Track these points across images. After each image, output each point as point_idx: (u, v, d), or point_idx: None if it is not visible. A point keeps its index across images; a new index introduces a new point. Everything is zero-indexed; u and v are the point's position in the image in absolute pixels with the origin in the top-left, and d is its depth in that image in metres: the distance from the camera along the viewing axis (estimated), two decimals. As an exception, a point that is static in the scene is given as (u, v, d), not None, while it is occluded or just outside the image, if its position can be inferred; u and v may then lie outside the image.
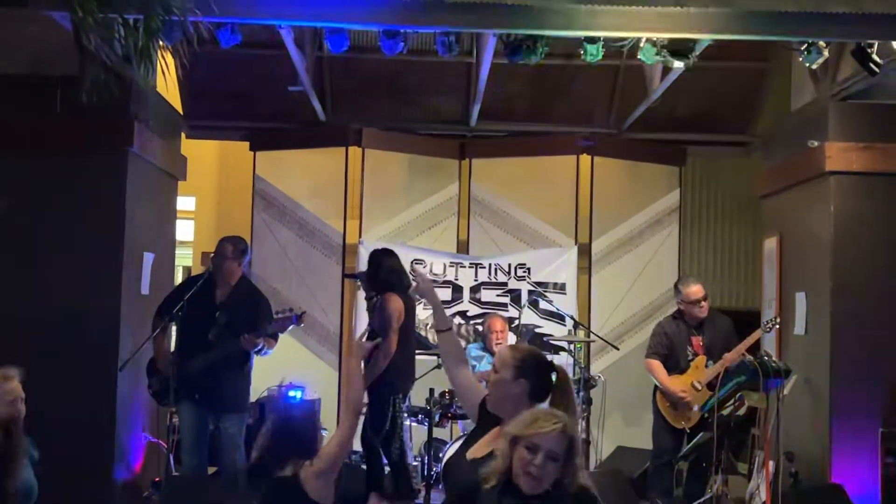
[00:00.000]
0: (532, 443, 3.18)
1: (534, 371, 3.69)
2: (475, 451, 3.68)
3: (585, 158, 9.45)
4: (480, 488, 3.25)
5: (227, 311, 6.60)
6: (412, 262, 9.08)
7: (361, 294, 8.99)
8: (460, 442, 4.03)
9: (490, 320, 8.27)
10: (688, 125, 9.49)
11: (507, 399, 3.67)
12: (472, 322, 9.09)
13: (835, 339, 7.15)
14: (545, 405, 3.65)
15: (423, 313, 9.05)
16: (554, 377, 3.71)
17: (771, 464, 6.46)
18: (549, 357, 8.23)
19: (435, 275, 9.08)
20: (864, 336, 7.12)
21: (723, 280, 9.38)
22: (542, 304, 8.97)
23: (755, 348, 7.06)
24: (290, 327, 6.63)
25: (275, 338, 6.65)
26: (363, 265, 8.94)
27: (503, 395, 3.70)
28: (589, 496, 3.29)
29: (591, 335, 8.62)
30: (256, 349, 6.56)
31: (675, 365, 7.27)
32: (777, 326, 7.60)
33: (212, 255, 6.96)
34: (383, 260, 6.99)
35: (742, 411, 6.72)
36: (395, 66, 8.47)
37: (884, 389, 7.04)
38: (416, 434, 7.98)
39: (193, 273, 9.90)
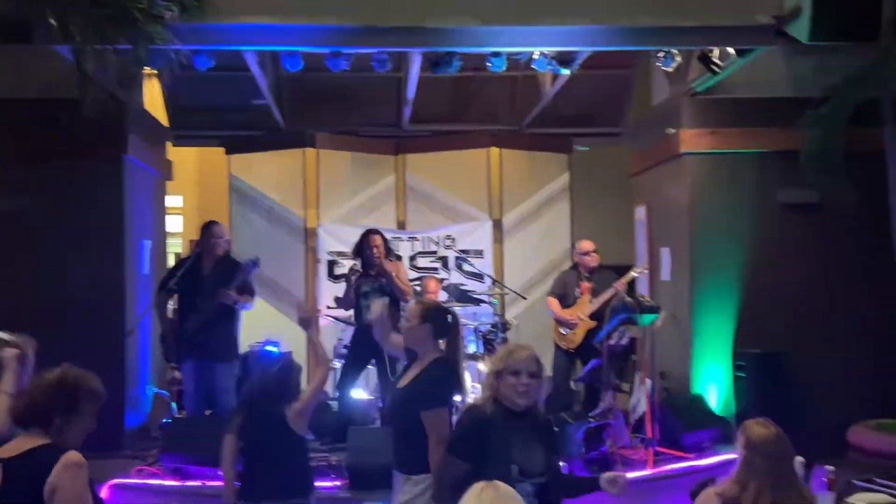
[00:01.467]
0: (515, 369, 3.27)
1: (434, 317, 3.92)
2: (403, 381, 3.93)
3: (495, 150, 9.51)
4: (481, 413, 3.33)
5: (213, 280, 6.52)
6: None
7: (322, 268, 9.01)
8: None
9: (426, 281, 8.28)
10: (573, 120, 9.60)
11: (418, 340, 3.93)
12: (412, 283, 9.11)
13: (693, 283, 7.34)
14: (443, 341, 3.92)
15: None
16: (450, 318, 3.93)
17: (648, 381, 6.60)
18: (472, 308, 8.39)
19: (388, 249, 9.04)
20: (715, 280, 7.31)
21: (604, 242, 9.45)
22: (466, 267, 9.05)
23: (632, 292, 7.21)
24: (254, 272, 6.50)
25: (251, 293, 6.55)
26: (323, 245, 8.97)
27: (415, 337, 3.95)
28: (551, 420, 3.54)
29: (505, 289, 8.73)
30: (234, 302, 6.49)
31: (565, 302, 7.40)
32: (646, 272, 7.74)
33: (199, 238, 6.81)
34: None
35: (625, 341, 6.84)
36: (340, 80, 8.40)
37: (732, 320, 7.25)
38: (371, 376, 7.99)
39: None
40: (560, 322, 7.36)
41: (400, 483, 3.80)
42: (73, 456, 2.84)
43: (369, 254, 6.75)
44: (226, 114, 9.12)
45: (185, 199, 11.03)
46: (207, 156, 10.45)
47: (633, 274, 7.16)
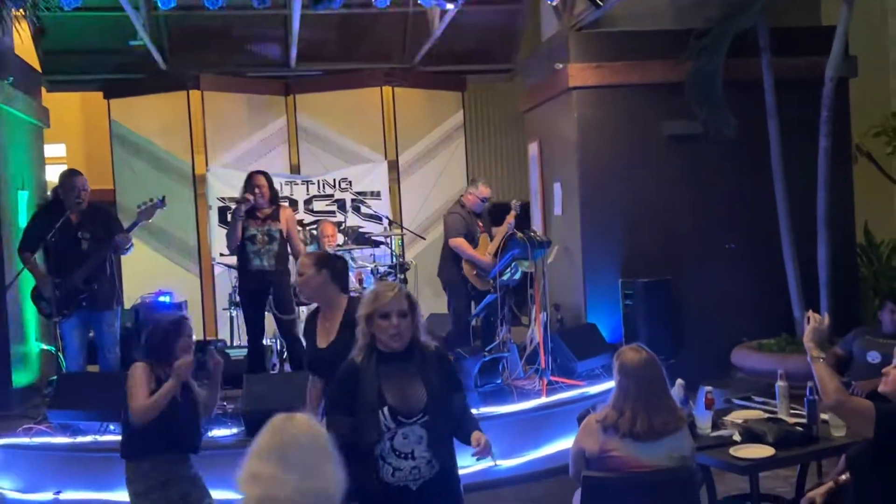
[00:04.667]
0: (384, 311, 3.13)
1: (327, 262, 3.92)
2: (321, 341, 3.85)
3: (388, 89, 9.36)
4: (352, 364, 3.18)
5: (88, 228, 6.23)
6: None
7: (213, 214, 8.76)
8: None
9: (322, 225, 8.15)
10: (465, 58, 9.50)
11: (317, 288, 3.89)
12: (308, 228, 8.98)
13: (583, 216, 7.47)
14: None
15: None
16: (340, 263, 3.93)
17: (542, 314, 6.70)
18: (370, 250, 8.33)
19: (273, 191, 8.86)
20: (604, 212, 7.46)
21: (500, 178, 9.56)
22: (363, 209, 8.96)
23: (524, 227, 7.24)
24: (158, 210, 6.17)
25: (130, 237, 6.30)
26: (213, 191, 8.71)
27: (313, 287, 3.90)
28: (445, 354, 3.31)
29: (403, 230, 8.69)
30: (128, 245, 6.25)
31: (472, 243, 7.26)
32: (520, 204, 7.35)
33: (60, 188, 6.41)
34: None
35: (518, 276, 6.87)
36: (221, 19, 8.10)
37: (620, 250, 7.43)
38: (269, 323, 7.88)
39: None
40: (476, 264, 7.18)
41: None
42: None
43: (256, 194, 6.33)
44: (103, 56, 8.68)
45: (69, 147, 10.54)
46: (90, 102, 9.95)
47: (513, 213, 7.03)
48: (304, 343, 4.31)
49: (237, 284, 6.92)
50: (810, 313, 3.64)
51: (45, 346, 7.39)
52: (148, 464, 3.85)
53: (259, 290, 6.40)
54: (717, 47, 6.88)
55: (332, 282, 3.87)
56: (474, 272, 7.26)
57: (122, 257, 6.76)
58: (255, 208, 6.40)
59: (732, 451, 3.83)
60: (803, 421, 4.09)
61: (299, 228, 8.79)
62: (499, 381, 6.31)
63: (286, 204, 7.07)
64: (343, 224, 8.79)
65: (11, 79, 7.01)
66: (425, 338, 3.23)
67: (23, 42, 7.84)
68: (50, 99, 8.62)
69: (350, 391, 3.12)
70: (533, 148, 8.54)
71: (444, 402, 3.15)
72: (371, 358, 3.15)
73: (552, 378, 6.37)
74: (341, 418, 3.09)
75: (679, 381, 4.33)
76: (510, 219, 6.95)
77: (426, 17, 8.64)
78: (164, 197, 6.23)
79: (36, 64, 8.35)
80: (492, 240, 7.20)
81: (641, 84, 7.39)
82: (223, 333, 8.37)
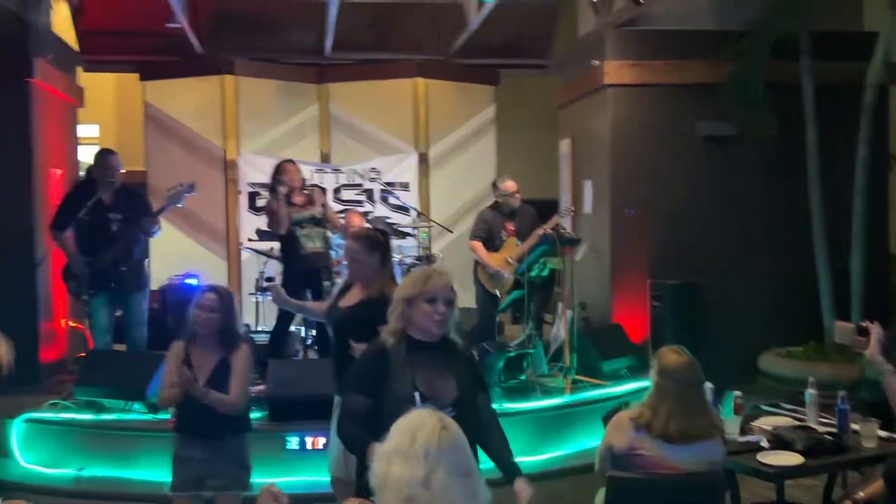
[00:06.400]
0: (431, 296, 3.01)
1: (380, 244, 3.98)
2: (346, 302, 3.96)
3: (420, 81, 9.36)
4: (382, 347, 3.06)
5: (119, 209, 6.26)
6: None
7: (243, 199, 8.80)
8: None
9: (349, 215, 8.10)
10: (500, 52, 9.48)
11: (368, 270, 3.95)
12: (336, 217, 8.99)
13: (613, 216, 7.41)
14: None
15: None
16: (382, 238, 3.99)
17: (569, 312, 6.66)
18: (397, 241, 8.32)
19: (303, 179, 8.89)
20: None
21: (530, 176, 9.45)
22: (392, 200, 8.95)
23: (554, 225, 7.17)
24: (187, 196, 6.13)
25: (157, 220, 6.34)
26: (244, 177, 8.74)
27: (366, 269, 3.95)
28: (472, 353, 3.29)
29: (431, 222, 8.67)
30: (155, 228, 6.30)
31: (492, 245, 7.24)
32: (573, 213, 7.59)
33: (95, 167, 6.46)
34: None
35: (545, 273, 6.82)
36: (258, 5, 8.12)
37: (649, 251, 7.36)
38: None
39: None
40: (488, 269, 7.13)
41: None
42: None
43: (286, 181, 6.40)
44: (139, 38, 8.72)
45: (102, 128, 10.62)
46: (125, 83, 10.04)
47: (557, 218, 6.96)
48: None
49: (285, 269, 6.81)
50: (868, 324, 3.56)
51: (73, 324, 7.45)
52: None
53: (310, 272, 6.43)
54: (758, 49, 6.79)
55: (381, 263, 3.96)
56: (486, 275, 7.17)
57: (152, 239, 6.81)
58: (291, 194, 6.43)
59: (760, 457, 3.78)
60: (833, 430, 4.03)
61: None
62: (523, 378, 6.29)
63: (314, 186, 7.11)
64: (370, 214, 8.79)
65: (50, 56, 7.07)
66: (453, 333, 3.13)
67: (61, 21, 7.92)
68: (84, 79, 8.68)
69: (376, 374, 3.02)
70: (565, 145, 8.48)
71: (472, 401, 3.07)
72: (401, 344, 3.03)
73: (576, 377, 6.34)
74: (362, 399, 2.98)
75: (707, 384, 4.29)
76: (549, 226, 6.74)
77: (461, 9, 8.61)
78: (193, 183, 6.23)
79: (73, 43, 8.41)
80: (520, 243, 7.09)
81: (678, 84, 7.31)
82: (248, 318, 8.41)
